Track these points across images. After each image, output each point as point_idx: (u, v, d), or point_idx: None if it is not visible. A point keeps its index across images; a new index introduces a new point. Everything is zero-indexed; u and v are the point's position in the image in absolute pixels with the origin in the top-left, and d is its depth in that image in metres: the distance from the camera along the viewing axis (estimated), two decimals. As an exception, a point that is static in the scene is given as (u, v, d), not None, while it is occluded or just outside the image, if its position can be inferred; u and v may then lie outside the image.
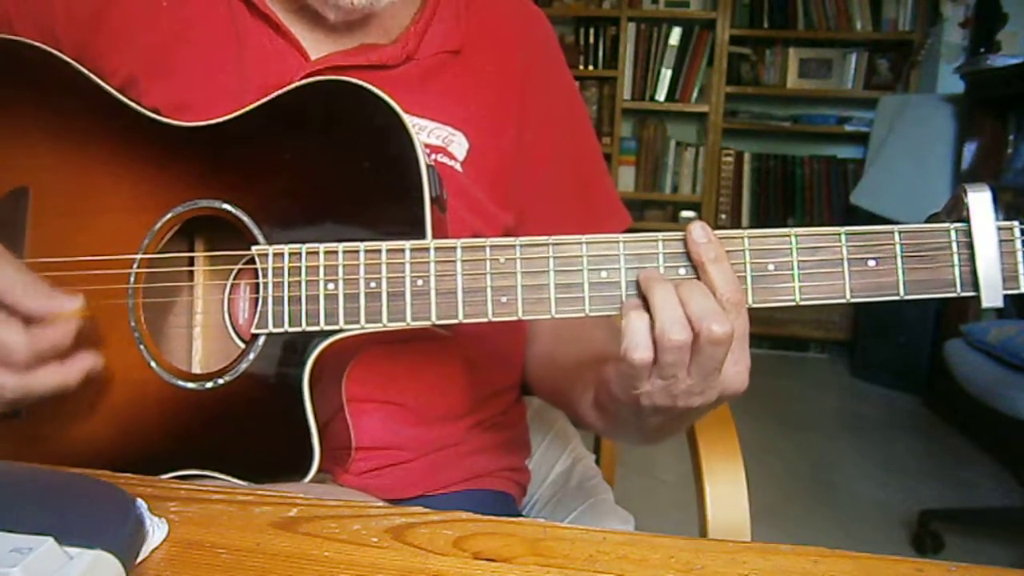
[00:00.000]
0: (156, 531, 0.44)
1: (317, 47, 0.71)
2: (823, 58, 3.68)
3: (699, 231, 0.53)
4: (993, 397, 1.71)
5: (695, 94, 3.67)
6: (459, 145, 0.73)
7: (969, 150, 2.80)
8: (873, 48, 3.62)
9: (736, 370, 0.54)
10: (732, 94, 3.65)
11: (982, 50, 2.91)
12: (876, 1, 3.55)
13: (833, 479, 2.44)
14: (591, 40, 3.70)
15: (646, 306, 0.53)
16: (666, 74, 3.66)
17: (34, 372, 0.56)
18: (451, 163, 0.72)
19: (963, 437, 2.72)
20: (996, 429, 2.49)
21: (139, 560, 0.42)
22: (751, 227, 4.13)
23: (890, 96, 3.39)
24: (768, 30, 3.64)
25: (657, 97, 3.69)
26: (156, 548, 0.44)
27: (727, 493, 0.75)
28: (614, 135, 3.69)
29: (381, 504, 0.56)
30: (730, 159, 3.76)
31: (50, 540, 0.37)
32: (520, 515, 0.85)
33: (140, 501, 0.44)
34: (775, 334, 3.58)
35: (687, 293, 0.52)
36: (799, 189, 3.76)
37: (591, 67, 3.71)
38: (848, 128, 3.60)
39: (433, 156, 0.70)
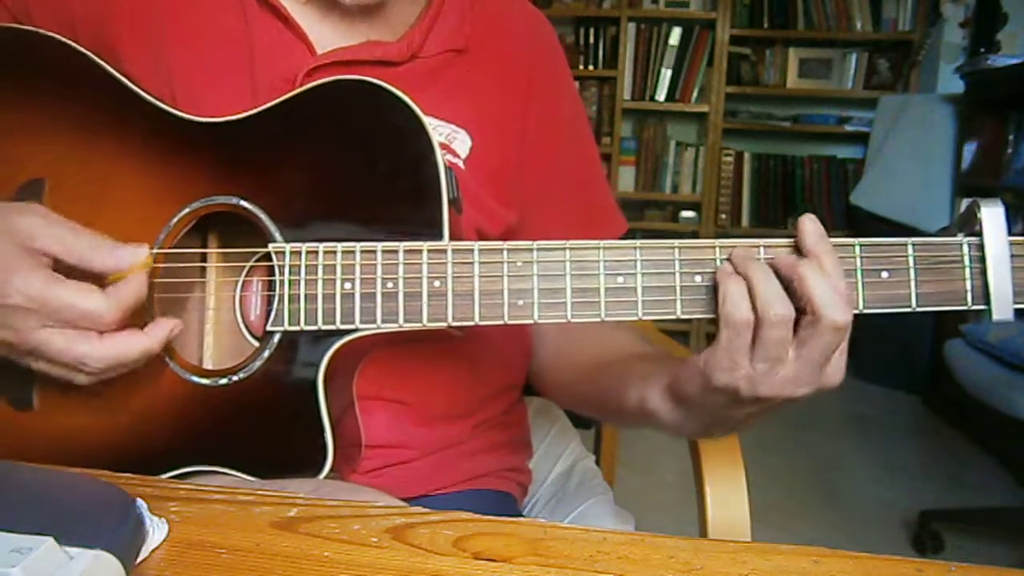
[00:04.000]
0: (156, 531, 0.44)
1: (323, 41, 0.71)
2: (823, 58, 3.69)
3: (812, 224, 0.53)
4: (993, 397, 1.71)
5: (695, 94, 3.67)
6: (462, 143, 0.73)
7: (969, 150, 2.80)
8: (873, 48, 3.62)
9: (839, 365, 0.53)
10: (732, 94, 3.65)
11: (982, 50, 2.91)
12: (876, 1, 3.55)
13: (833, 479, 2.44)
14: (591, 40, 3.70)
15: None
16: (666, 74, 3.66)
17: (121, 337, 0.56)
18: (454, 160, 0.73)
19: (963, 437, 2.72)
20: (996, 429, 2.49)
21: (139, 560, 0.42)
22: (751, 227, 4.13)
23: (890, 96, 3.39)
24: (768, 30, 3.64)
25: (657, 97, 3.69)
26: (156, 548, 0.44)
27: (727, 493, 0.75)
28: (614, 135, 3.69)
29: (381, 504, 0.56)
30: (730, 159, 3.76)
31: (50, 540, 0.37)
32: (520, 515, 0.85)
33: (140, 501, 0.44)
34: (775, 334, 3.57)
35: (810, 275, 0.51)
36: (799, 189, 3.76)
37: (591, 67, 3.71)
38: (848, 128, 3.60)
39: None
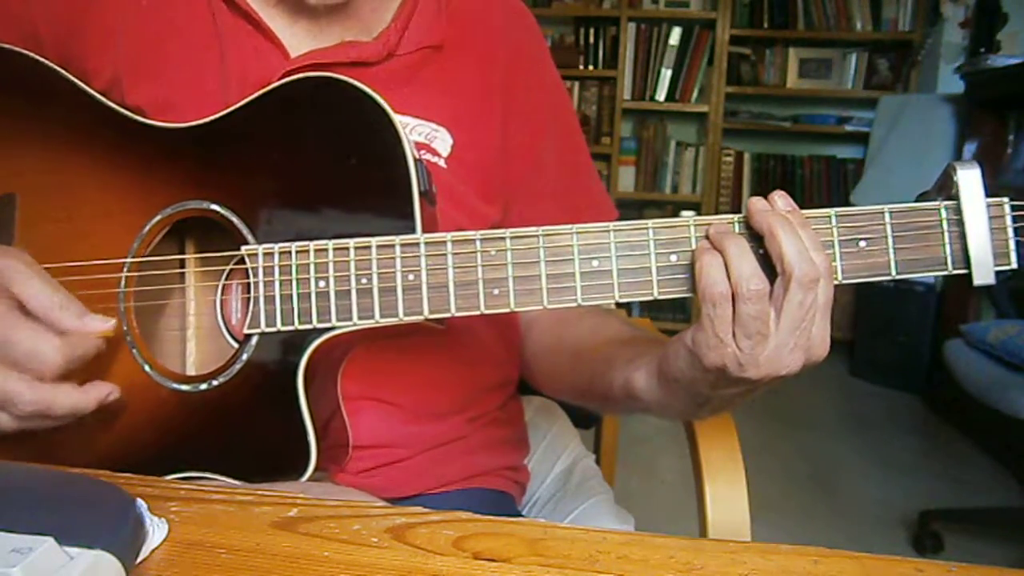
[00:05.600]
0: (156, 531, 0.44)
1: (297, 44, 0.71)
2: (823, 58, 3.69)
3: (783, 201, 0.53)
4: (993, 397, 1.71)
5: (695, 94, 3.67)
6: (443, 141, 0.73)
7: (969, 150, 2.80)
8: (873, 48, 3.62)
9: (822, 334, 0.53)
10: (732, 94, 3.65)
11: (982, 50, 2.91)
12: (876, 1, 3.55)
13: (833, 479, 2.44)
14: (591, 40, 3.70)
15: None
16: (666, 74, 3.66)
17: (57, 387, 0.56)
18: (435, 159, 0.72)
19: (963, 437, 2.72)
20: (996, 429, 2.49)
21: (139, 560, 0.42)
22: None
23: (890, 96, 3.39)
24: (768, 30, 3.64)
25: (657, 97, 3.69)
26: (156, 548, 0.44)
27: (727, 493, 0.75)
28: (614, 135, 3.69)
29: (381, 504, 0.55)
30: (730, 159, 3.76)
31: (50, 540, 0.37)
32: (520, 515, 0.85)
33: (140, 501, 0.44)
34: (775, 334, 3.57)
35: (783, 234, 0.51)
36: (799, 189, 3.76)
37: (591, 67, 3.71)
38: (848, 128, 3.60)
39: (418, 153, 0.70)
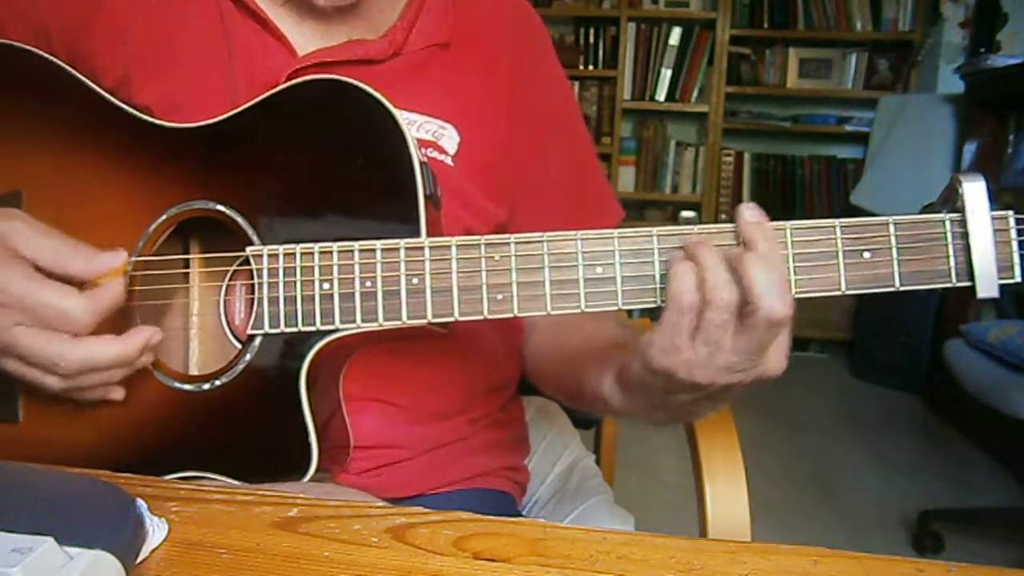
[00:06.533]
0: (156, 531, 0.44)
1: (304, 43, 0.71)
2: (823, 58, 3.68)
3: (751, 212, 0.53)
4: (993, 397, 1.71)
5: (695, 94, 3.67)
6: (450, 139, 0.73)
7: (969, 150, 2.80)
8: (873, 48, 3.62)
9: (778, 355, 0.54)
10: (732, 94, 3.65)
11: (982, 50, 2.91)
12: (876, 1, 3.55)
13: (833, 479, 2.43)
14: (591, 40, 3.70)
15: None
16: (666, 74, 3.66)
17: (95, 341, 0.56)
18: (442, 157, 0.72)
19: (963, 437, 2.72)
20: (996, 429, 2.49)
21: (139, 560, 0.42)
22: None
23: (890, 96, 3.39)
24: (768, 30, 3.64)
25: (657, 97, 3.68)
26: (156, 548, 0.44)
27: (727, 493, 0.75)
28: (614, 135, 3.69)
29: (381, 504, 0.55)
30: (730, 159, 3.76)
31: (50, 540, 0.37)
32: (520, 515, 0.85)
33: (140, 501, 0.44)
34: (775, 334, 3.57)
35: (753, 265, 0.51)
36: (799, 189, 3.76)
37: (591, 67, 3.71)
38: (848, 128, 3.60)
39: (424, 151, 0.70)
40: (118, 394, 0.60)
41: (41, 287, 0.55)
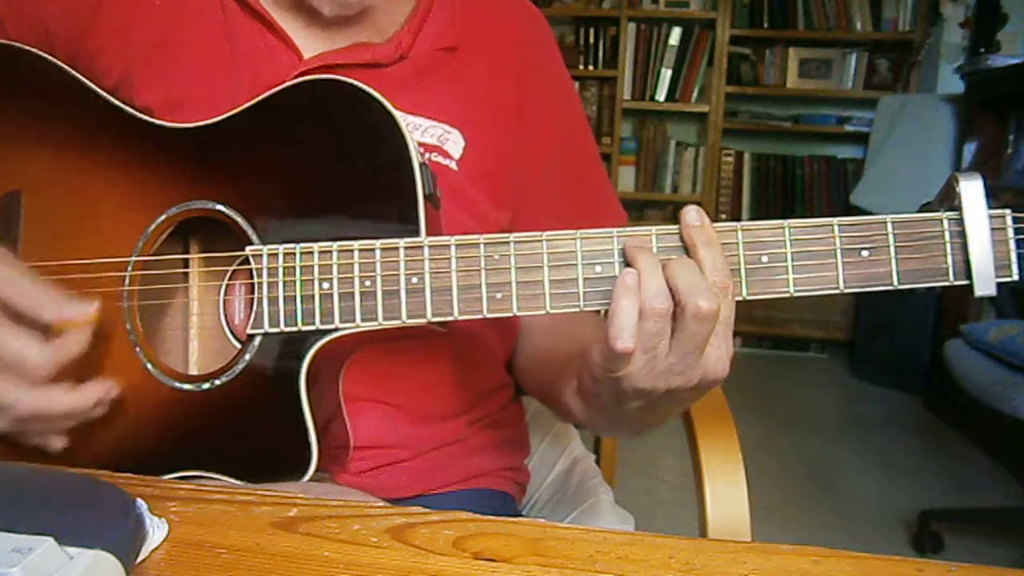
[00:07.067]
0: (156, 531, 0.44)
1: (310, 46, 0.71)
2: (823, 58, 3.69)
3: (693, 214, 0.54)
4: (993, 397, 1.71)
5: (695, 94, 3.67)
6: (455, 143, 0.73)
7: (969, 150, 2.80)
8: (873, 48, 3.62)
9: (718, 355, 0.54)
10: (732, 94, 3.65)
11: (982, 50, 2.91)
12: (876, 1, 3.55)
13: (833, 479, 2.44)
14: (591, 40, 3.70)
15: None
16: (666, 74, 3.66)
17: (51, 389, 0.56)
18: (446, 162, 0.72)
19: (963, 437, 2.72)
20: (996, 429, 2.49)
21: (139, 560, 0.42)
22: (751, 227, 4.20)
23: (890, 96, 3.39)
24: (768, 30, 3.64)
25: (657, 97, 3.69)
26: (156, 548, 0.44)
27: (727, 493, 0.75)
28: (614, 135, 3.69)
29: (381, 504, 0.56)
30: (730, 159, 3.76)
31: (50, 540, 0.37)
32: (520, 515, 0.85)
33: (140, 501, 0.44)
34: (775, 334, 3.58)
35: (676, 267, 0.52)
36: (799, 189, 3.76)
37: (591, 67, 3.71)
38: (848, 128, 3.60)
39: (427, 155, 0.70)
40: (58, 444, 0.60)
41: (5, 331, 0.54)
